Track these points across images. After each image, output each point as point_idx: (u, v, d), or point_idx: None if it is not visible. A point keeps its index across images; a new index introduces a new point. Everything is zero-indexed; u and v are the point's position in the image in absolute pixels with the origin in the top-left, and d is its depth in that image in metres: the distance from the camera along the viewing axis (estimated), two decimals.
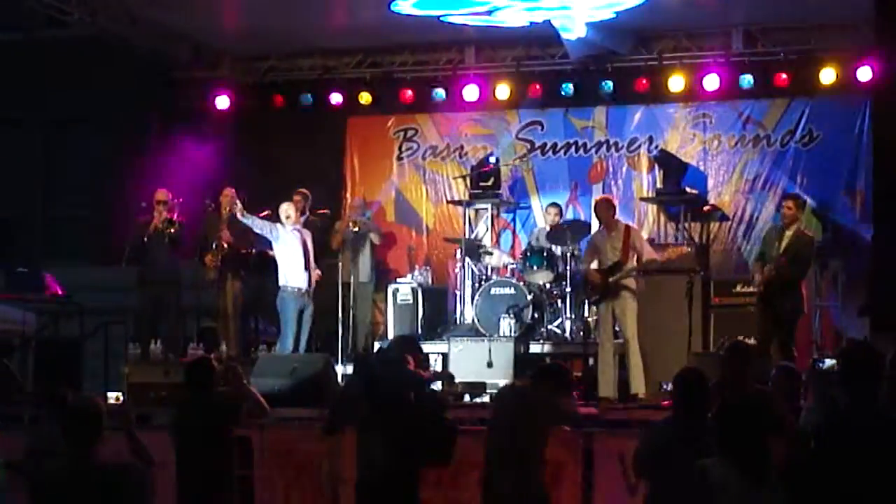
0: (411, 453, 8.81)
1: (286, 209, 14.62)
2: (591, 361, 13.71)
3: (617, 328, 13.43)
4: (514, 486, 8.81)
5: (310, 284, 14.44)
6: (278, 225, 14.53)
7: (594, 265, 13.51)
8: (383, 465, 8.75)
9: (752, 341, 12.65)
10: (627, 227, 13.63)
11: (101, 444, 6.43)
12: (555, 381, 9.01)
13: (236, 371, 9.48)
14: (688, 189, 15.97)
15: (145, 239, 14.61)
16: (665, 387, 12.30)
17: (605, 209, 13.73)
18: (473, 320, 15.20)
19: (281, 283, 14.37)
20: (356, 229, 15.81)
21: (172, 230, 14.76)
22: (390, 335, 15.50)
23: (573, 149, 17.05)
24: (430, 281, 16.39)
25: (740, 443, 6.73)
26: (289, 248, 14.36)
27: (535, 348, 14.71)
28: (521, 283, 15.18)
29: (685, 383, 7.94)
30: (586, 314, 15.31)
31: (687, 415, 7.75)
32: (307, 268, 14.40)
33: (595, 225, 16.30)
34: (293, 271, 14.34)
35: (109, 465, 6.39)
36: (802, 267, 13.07)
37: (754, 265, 13.46)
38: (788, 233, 13.04)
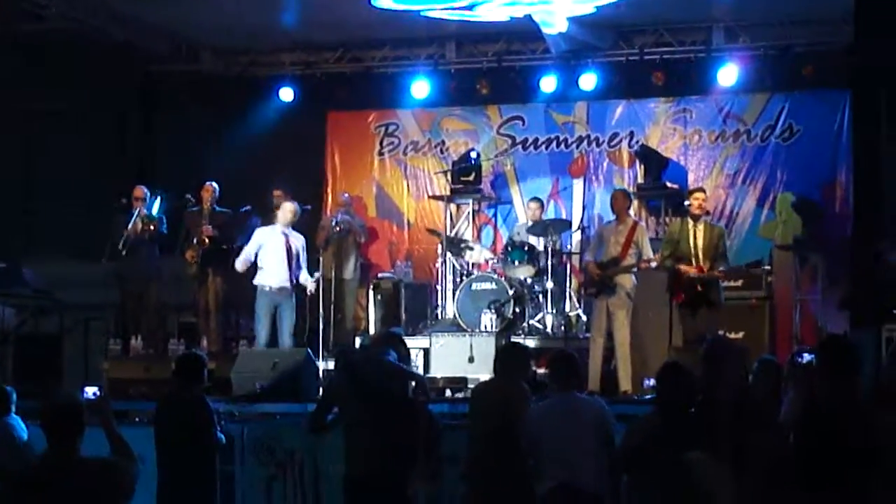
0: (401, 449, 8.81)
1: (287, 209, 14.39)
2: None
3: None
4: (499, 481, 8.84)
5: (292, 283, 14.25)
6: (260, 230, 14.43)
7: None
8: (374, 462, 8.76)
9: (734, 336, 12.69)
10: (635, 224, 13.60)
11: (80, 440, 6.42)
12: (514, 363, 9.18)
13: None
14: (668, 184, 16.01)
15: (125, 235, 14.57)
16: (648, 382, 12.30)
17: (620, 201, 13.66)
18: (455, 315, 15.20)
19: (255, 281, 14.25)
20: (338, 229, 15.74)
21: (152, 226, 14.73)
22: (372, 330, 15.50)
23: (554, 144, 17.07)
24: (411, 276, 16.39)
25: (721, 437, 6.75)
26: (268, 247, 14.17)
27: (524, 344, 14.68)
28: (503, 279, 15.17)
29: (667, 378, 7.95)
30: (568, 309, 15.34)
31: (669, 410, 7.76)
32: (290, 267, 14.19)
33: (576, 221, 16.43)
34: (268, 269, 14.10)
35: (89, 460, 6.37)
36: (724, 257, 13.08)
37: (662, 258, 13.23)
38: (700, 226, 13.00)
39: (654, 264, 13.33)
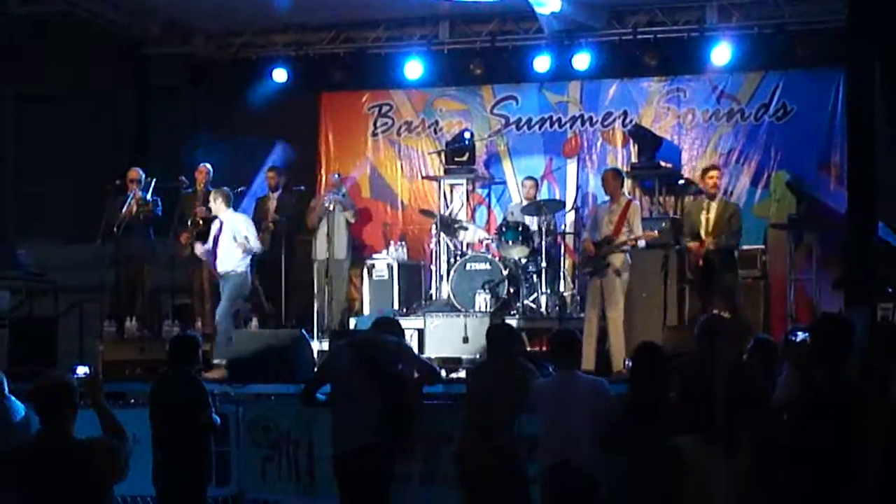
0: (397, 425, 8.86)
1: (215, 196, 14.12)
2: None
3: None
4: (491, 460, 8.87)
5: (225, 267, 13.95)
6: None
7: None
8: (365, 438, 8.79)
9: (726, 314, 12.69)
10: (628, 203, 13.61)
11: (73, 419, 6.42)
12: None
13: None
14: (662, 163, 16.00)
15: (120, 217, 14.57)
16: (628, 363, 12.34)
17: (611, 181, 13.67)
18: (449, 296, 15.20)
19: None
20: (331, 207, 15.76)
21: (147, 208, 14.74)
22: (366, 311, 15.52)
23: (548, 123, 17.05)
24: (405, 257, 16.38)
25: (712, 417, 6.76)
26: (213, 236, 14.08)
27: (510, 323, 14.70)
28: (497, 259, 15.18)
29: (639, 359, 7.96)
30: (562, 289, 15.34)
31: (641, 390, 7.76)
32: (216, 254, 13.94)
33: (571, 199, 16.43)
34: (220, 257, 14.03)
35: (82, 440, 6.38)
36: (733, 235, 13.24)
37: (685, 240, 13.49)
38: (714, 203, 13.15)
39: (642, 242, 13.39)
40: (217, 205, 14.02)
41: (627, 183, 16.30)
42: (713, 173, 13.50)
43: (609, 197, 13.59)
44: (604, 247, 13.24)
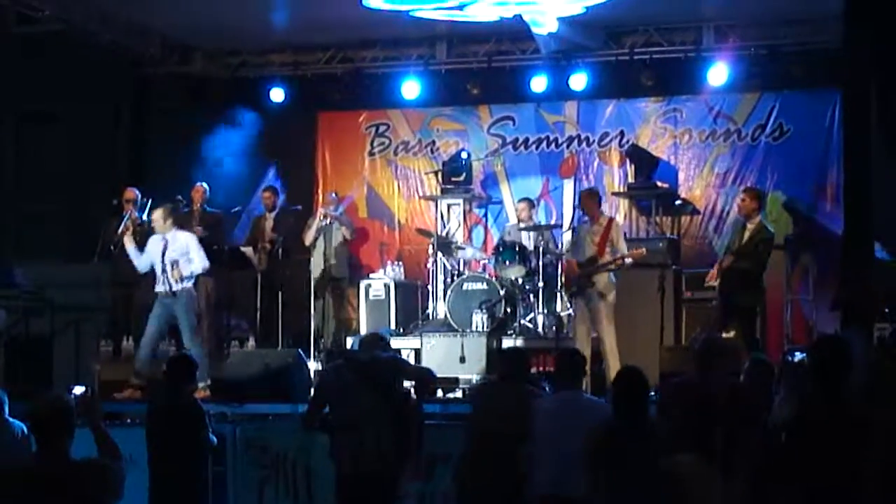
0: (396, 446, 8.85)
1: (155, 217, 13.73)
2: None
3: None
4: (491, 483, 8.85)
5: (169, 287, 13.51)
6: (151, 238, 13.80)
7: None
8: (370, 459, 8.79)
9: (727, 335, 12.70)
10: (610, 221, 13.64)
11: (70, 441, 6.41)
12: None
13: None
14: (659, 183, 16.01)
15: (116, 236, 14.54)
16: None
17: (588, 200, 13.72)
18: (446, 315, 15.19)
19: None
20: (328, 222, 15.76)
21: (142, 228, 14.71)
22: (363, 330, 15.49)
23: (544, 143, 17.09)
24: (402, 276, 16.38)
25: (708, 437, 6.75)
26: (153, 255, 13.67)
27: (507, 343, 14.70)
28: (494, 279, 15.19)
29: (619, 383, 7.88)
30: (559, 309, 15.34)
31: (625, 413, 7.71)
32: (164, 273, 13.56)
33: (568, 219, 16.44)
34: (160, 276, 13.66)
35: (78, 462, 6.36)
36: (756, 260, 13.10)
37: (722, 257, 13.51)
38: (750, 226, 13.16)
39: (629, 261, 13.39)
40: (160, 222, 13.63)
41: (624, 203, 16.38)
42: (742, 195, 13.42)
43: (589, 217, 13.62)
44: (589, 267, 13.26)
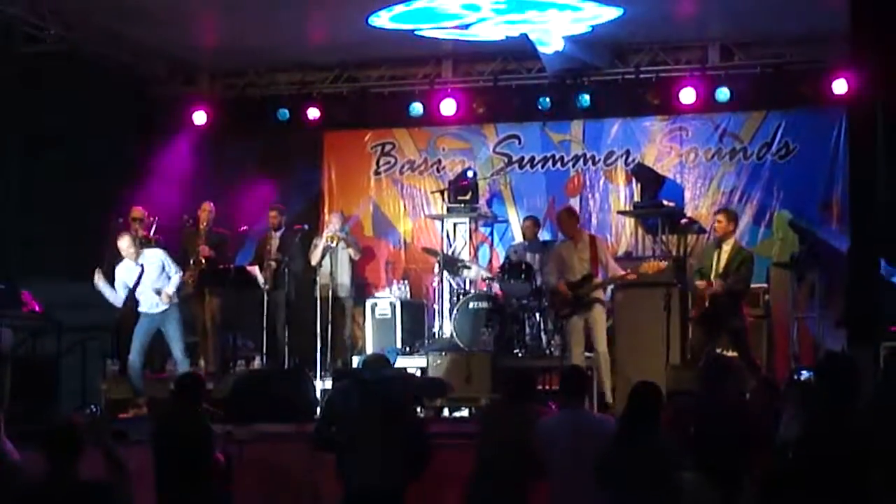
0: (409, 466, 8.85)
1: (122, 247, 13.90)
2: None
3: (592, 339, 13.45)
4: (502, 499, 8.84)
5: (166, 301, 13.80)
6: (118, 267, 13.99)
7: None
8: (380, 478, 8.78)
9: (731, 353, 12.70)
10: (594, 238, 13.68)
11: (80, 461, 6.42)
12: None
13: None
14: (665, 202, 15.98)
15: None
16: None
17: (567, 219, 13.75)
18: (452, 334, 15.19)
19: None
20: (335, 244, 15.78)
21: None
22: (369, 349, 15.49)
23: (550, 162, 17.09)
24: (408, 295, 16.38)
25: (715, 456, 6.75)
26: (129, 285, 13.87)
27: (513, 362, 14.69)
28: (499, 297, 15.19)
29: (632, 399, 7.89)
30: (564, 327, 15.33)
31: (630, 427, 7.71)
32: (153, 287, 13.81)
33: None
34: (142, 298, 13.91)
35: (89, 482, 6.38)
36: (748, 282, 13.21)
37: (694, 282, 13.48)
38: (726, 247, 13.17)
39: (630, 277, 13.43)
40: (130, 250, 13.80)
41: (630, 222, 16.38)
42: (718, 217, 13.53)
43: (569, 237, 13.63)
44: (585, 285, 13.26)
